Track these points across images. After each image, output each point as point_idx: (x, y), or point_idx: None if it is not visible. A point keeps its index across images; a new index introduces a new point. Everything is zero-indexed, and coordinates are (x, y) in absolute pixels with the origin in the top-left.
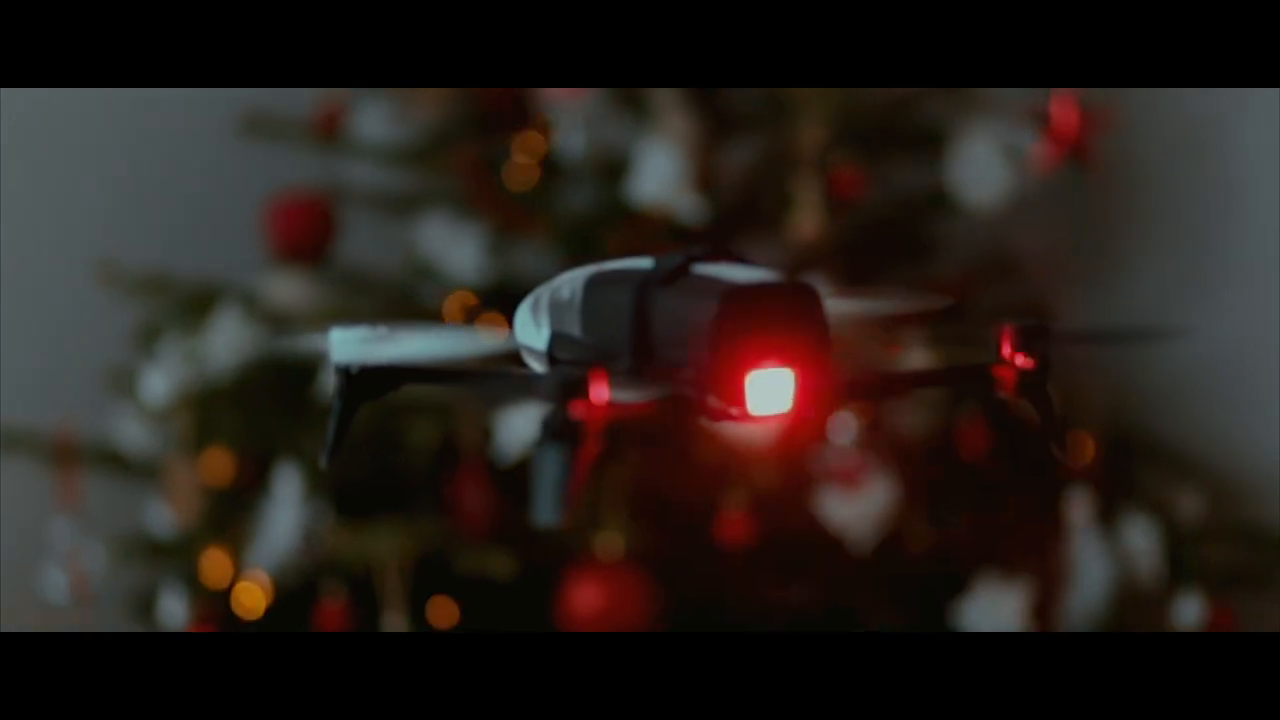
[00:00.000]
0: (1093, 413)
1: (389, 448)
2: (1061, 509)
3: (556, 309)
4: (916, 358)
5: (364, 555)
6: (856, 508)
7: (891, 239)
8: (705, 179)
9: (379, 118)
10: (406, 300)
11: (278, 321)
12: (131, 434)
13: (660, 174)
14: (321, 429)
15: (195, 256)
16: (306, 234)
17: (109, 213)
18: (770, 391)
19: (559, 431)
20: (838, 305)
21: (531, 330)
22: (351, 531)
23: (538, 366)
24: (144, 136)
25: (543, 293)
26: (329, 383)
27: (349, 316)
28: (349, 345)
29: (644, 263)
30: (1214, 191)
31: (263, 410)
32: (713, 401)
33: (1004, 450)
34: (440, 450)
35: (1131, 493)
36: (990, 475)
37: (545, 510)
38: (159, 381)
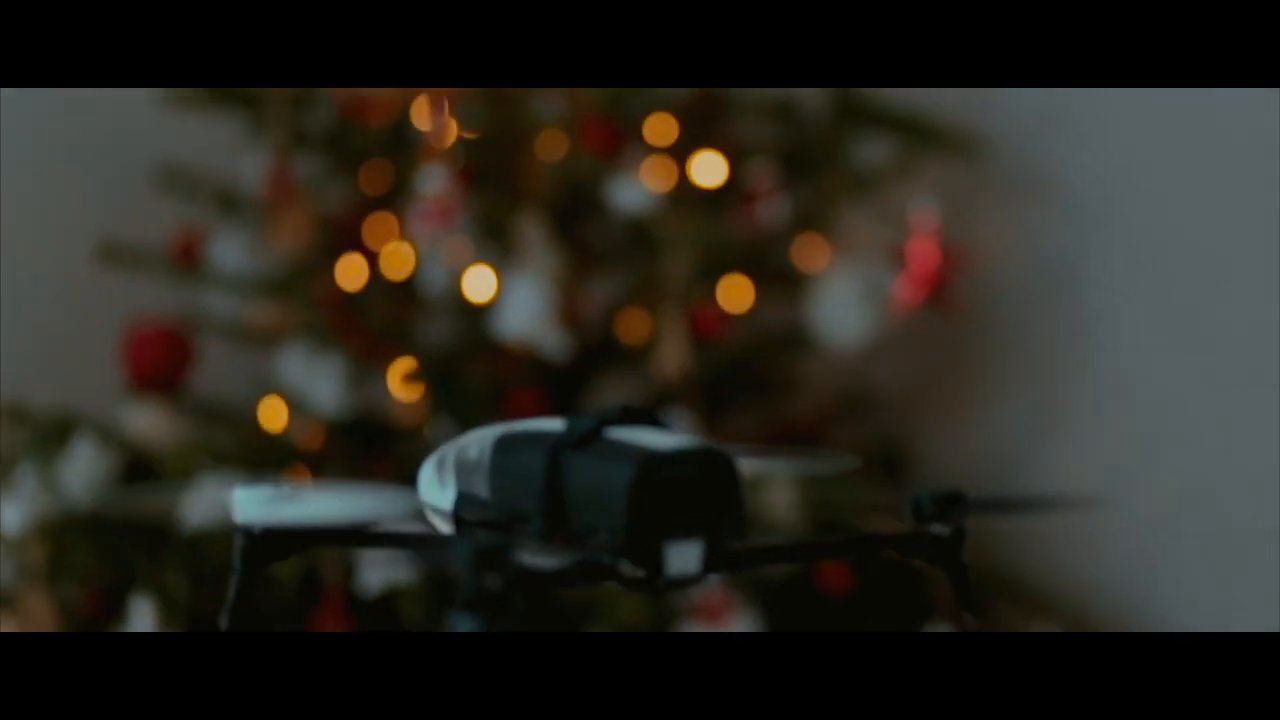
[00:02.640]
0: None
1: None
2: None
3: (463, 469)
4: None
5: None
6: None
7: (751, 374)
8: (569, 313)
9: (236, 247)
10: (264, 432)
11: (134, 452)
12: None
13: (524, 308)
14: (179, 560)
15: (50, 386)
16: (163, 363)
17: None
18: (685, 558)
19: (475, 601)
20: (750, 464)
21: (436, 490)
22: None
23: (443, 526)
24: None
25: (448, 451)
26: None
27: (206, 448)
28: (252, 505)
29: (554, 424)
30: (1069, 331)
31: (118, 541)
32: (627, 568)
33: (866, 586)
34: (301, 583)
35: (989, 629)
36: (852, 611)
37: None
38: (12, 512)
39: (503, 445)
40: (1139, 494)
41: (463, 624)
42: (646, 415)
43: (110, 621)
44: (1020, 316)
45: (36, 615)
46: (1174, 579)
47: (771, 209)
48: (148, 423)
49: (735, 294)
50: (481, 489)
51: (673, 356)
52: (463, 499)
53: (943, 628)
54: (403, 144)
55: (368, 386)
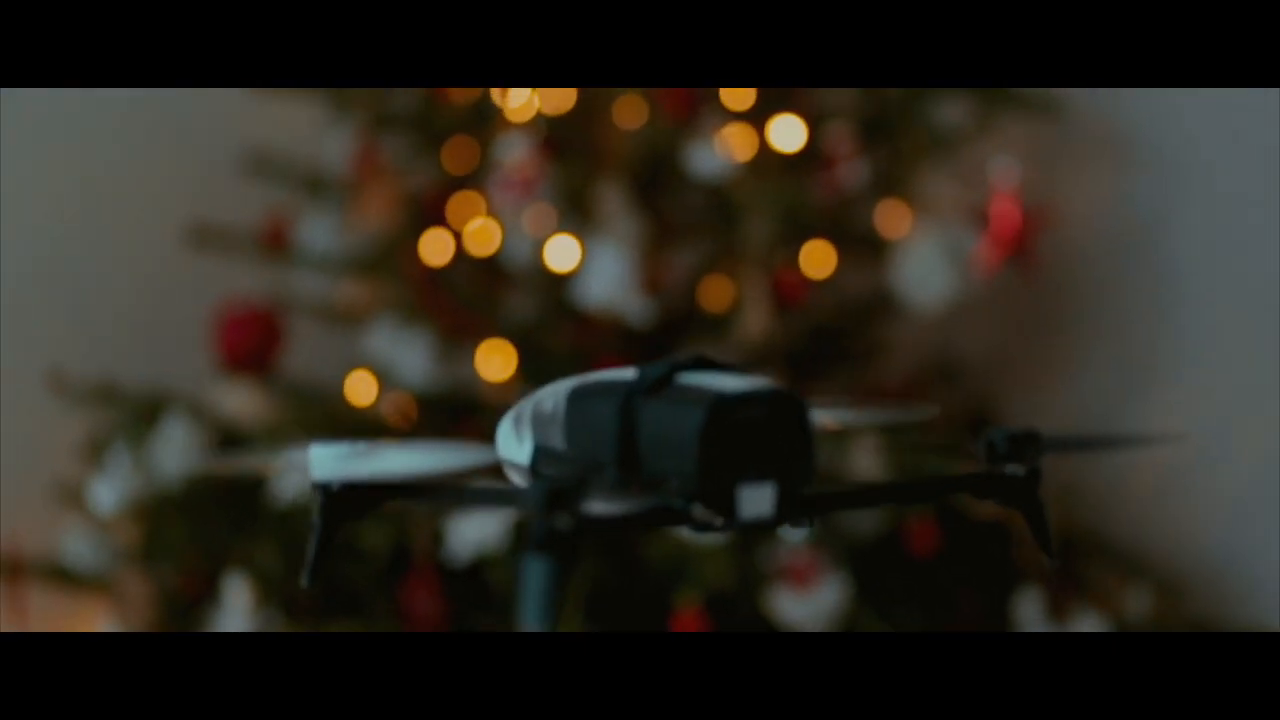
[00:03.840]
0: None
1: (341, 553)
2: (1012, 607)
3: (539, 422)
4: (881, 464)
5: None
6: (808, 606)
7: (837, 341)
8: (652, 281)
9: (324, 228)
10: (353, 409)
11: (225, 431)
12: (80, 547)
13: (607, 277)
14: (271, 537)
15: (143, 367)
16: (254, 344)
17: (56, 323)
18: (758, 501)
19: (545, 542)
20: (822, 415)
21: (514, 444)
22: None
23: (520, 481)
24: (91, 247)
25: (525, 406)
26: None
27: (297, 426)
28: (328, 462)
29: (627, 373)
30: (1154, 290)
31: (211, 520)
32: (699, 512)
33: (954, 549)
34: (392, 555)
35: (1080, 590)
36: (941, 574)
37: (533, 620)
38: (107, 492)
39: (577, 396)
40: (1228, 452)
41: (534, 564)
42: (719, 362)
43: (206, 600)
44: (1104, 276)
45: (133, 596)
46: (1264, 537)
47: (851, 172)
48: (239, 402)
49: (817, 259)
50: (558, 441)
51: (756, 321)
52: (539, 452)
53: (1031, 593)
54: (484, 120)
55: (455, 361)
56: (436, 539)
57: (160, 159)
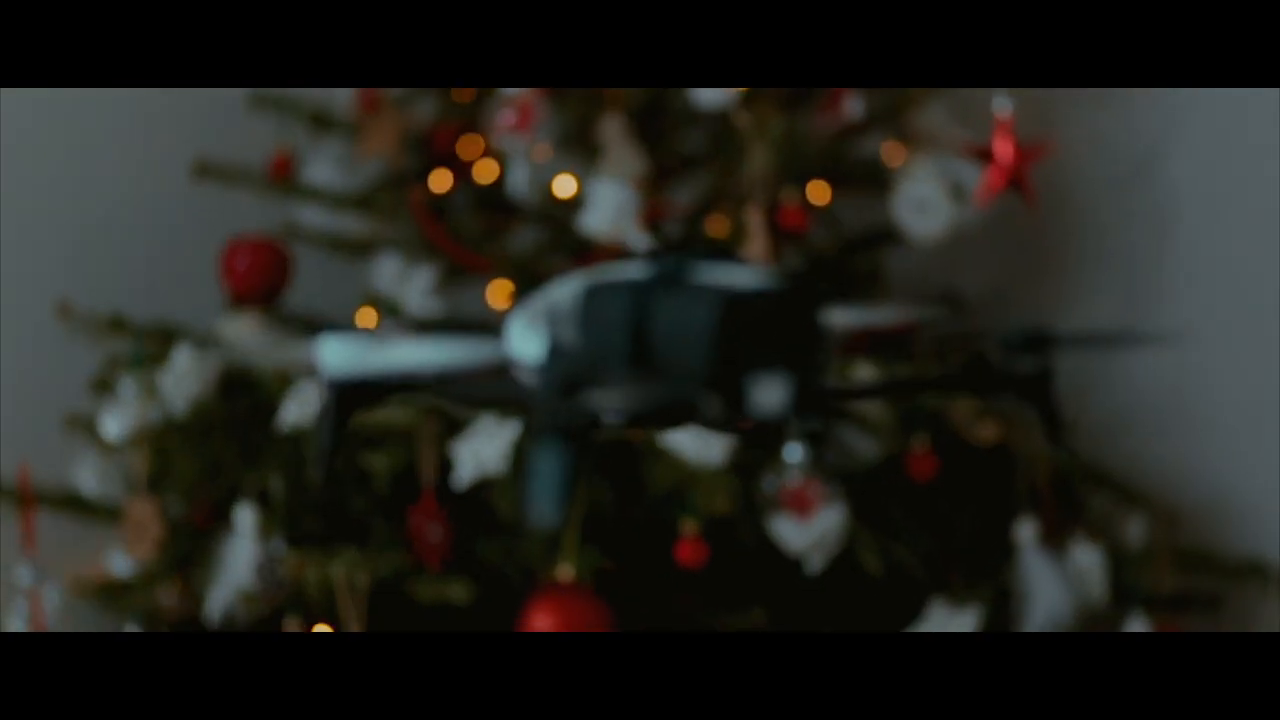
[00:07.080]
0: (1039, 440)
1: (348, 477)
2: (1010, 534)
3: (552, 319)
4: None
5: (323, 585)
6: (808, 532)
7: (838, 272)
8: (654, 213)
9: (329, 164)
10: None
11: (233, 363)
12: (90, 478)
13: (609, 208)
14: (279, 466)
15: (152, 301)
16: (261, 278)
17: (66, 257)
18: (769, 395)
19: (559, 428)
20: (839, 314)
21: (526, 341)
22: (310, 562)
23: (531, 378)
24: (100, 181)
25: (537, 303)
26: (315, 398)
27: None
28: (340, 355)
29: (641, 268)
30: (1152, 219)
31: (220, 449)
32: (713, 407)
33: (953, 475)
34: (399, 479)
35: (1078, 518)
36: (940, 500)
37: (543, 509)
38: (116, 421)
39: (590, 293)
40: (1226, 382)
41: (546, 450)
42: (733, 252)
43: (215, 529)
44: (1102, 206)
45: (144, 524)
46: (1260, 468)
47: (850, 107)
48: (246, 334)
49: (817, 192)
50: (570, 337)
51: (757, 252)
52: (553, 349)
53: (1028, 522)
54: None
55: (459, 295)
56: (443, 464)
57: (168, 95)
